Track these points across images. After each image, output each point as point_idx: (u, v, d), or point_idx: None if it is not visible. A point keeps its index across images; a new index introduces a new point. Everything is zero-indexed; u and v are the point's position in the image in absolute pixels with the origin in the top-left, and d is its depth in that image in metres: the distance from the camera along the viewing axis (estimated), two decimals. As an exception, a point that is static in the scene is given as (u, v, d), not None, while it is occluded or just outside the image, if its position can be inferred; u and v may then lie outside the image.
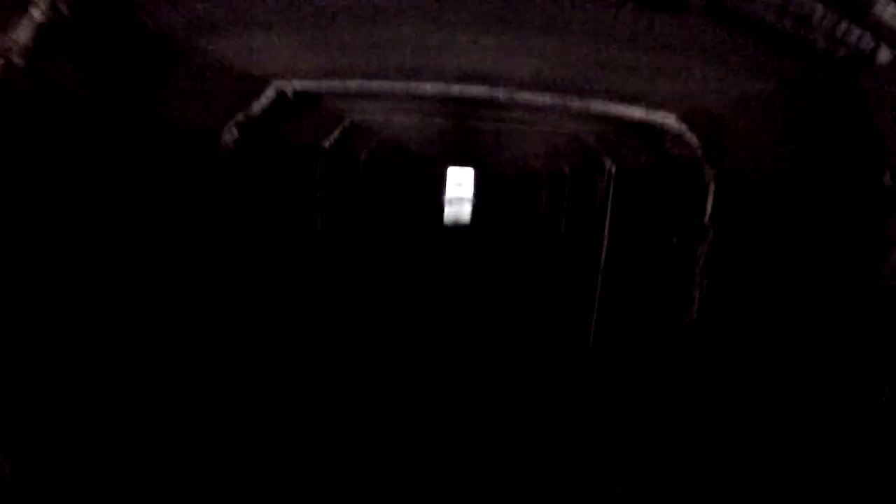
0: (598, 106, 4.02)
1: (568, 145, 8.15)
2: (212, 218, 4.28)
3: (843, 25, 1.88)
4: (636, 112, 4.12)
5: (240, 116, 3.94)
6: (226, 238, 4.59)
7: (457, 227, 21.71)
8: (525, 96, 4.12)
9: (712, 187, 4.47)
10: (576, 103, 4.04)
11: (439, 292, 10.06)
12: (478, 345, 7.52)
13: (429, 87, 4.15)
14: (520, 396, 5.87)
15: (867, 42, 1.94)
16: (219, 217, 4.36)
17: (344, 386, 5.78)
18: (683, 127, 4.29)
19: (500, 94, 4.12)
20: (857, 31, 1.90)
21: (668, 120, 4.25)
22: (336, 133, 7.27)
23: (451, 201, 32.16)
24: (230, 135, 3.96)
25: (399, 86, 4.05)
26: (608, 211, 6.95)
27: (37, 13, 2.02)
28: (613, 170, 6.83)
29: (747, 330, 3.86)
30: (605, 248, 7.07)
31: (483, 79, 3.69)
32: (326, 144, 7.15)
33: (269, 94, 3.88)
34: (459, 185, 40.15)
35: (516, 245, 14.44)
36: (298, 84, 3.77)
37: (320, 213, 7.44)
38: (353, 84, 3.84)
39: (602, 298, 7.08)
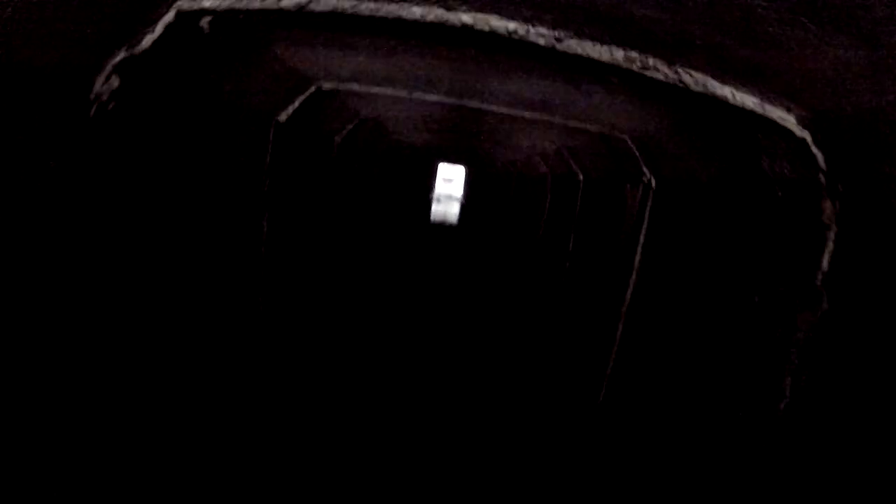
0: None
1: (587, 148, 6.73)
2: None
3: None
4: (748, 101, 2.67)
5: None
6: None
7: (444, 226, 20.38)
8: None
9: (833, 232, 3.04)
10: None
11: (423, 293, 8.61)
12: (462, 350, 6.12)
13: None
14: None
15: None
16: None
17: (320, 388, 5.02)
18: (807, 134, 2.85)
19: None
20: None
21: (787, 122, 2.81)
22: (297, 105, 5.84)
23: (439, 199, 30.83)
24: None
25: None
26: (643, 229, 5.51)
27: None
28: (653, 182, 5.39)
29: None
30: (635, 272, 5.63)
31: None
32: (283, 118, 5.62)
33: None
34: (449, 182, 38.89)
35: (511, 252, 12.99)
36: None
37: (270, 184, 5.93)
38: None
39: (625, 340, 5.64)
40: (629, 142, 5.26)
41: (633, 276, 5.58)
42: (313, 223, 7.36)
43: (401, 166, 15.25)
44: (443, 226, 20.11)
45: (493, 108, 4.67)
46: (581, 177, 7.59)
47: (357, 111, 7.28)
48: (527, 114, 4.62)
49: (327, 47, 3.77)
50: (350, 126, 7.63)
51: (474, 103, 4.66)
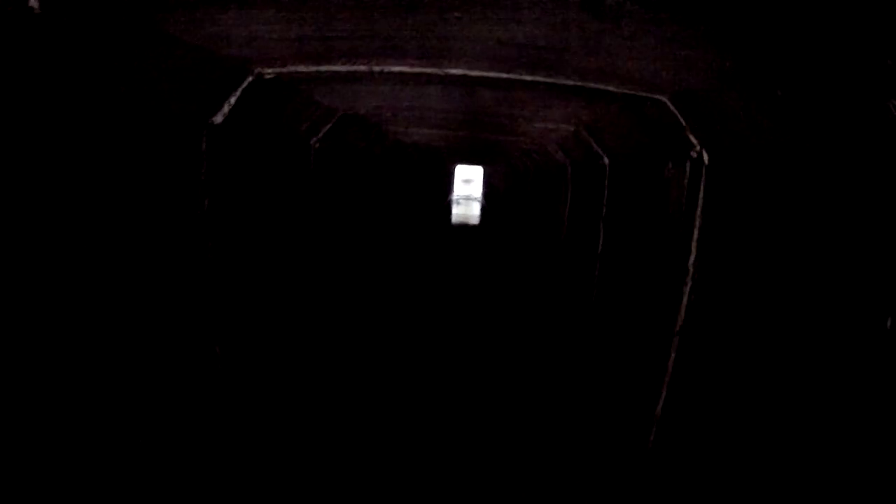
0: None
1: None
2: None
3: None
4: None
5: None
6: None
7: (465, 230, 19.19)
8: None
9: None
10: None
11: (440, 302, 7.38)
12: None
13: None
14: None
15: None
16: None
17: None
18: None
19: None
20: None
21: None
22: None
23: (458, 201, 29.58)
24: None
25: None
26: (696, 221, 4.17)
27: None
28: (706, 156, 4.05)
29: None
30: (690, 279, 4.30)
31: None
32: (218, 119, 4.44)
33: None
34: (468, 183, 37.71)
35: (532, 258, 11.66)
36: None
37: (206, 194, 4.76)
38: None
39: (680, 368, 4.31)
40: (669, 104, 3.92)
41: (688, 285, 4.23)
42: (295, 247, 6.19)
43: (408, 170, 14.03)
44: (464, 229, 18.88)
45: (485, 72, 3.40)
46: (606, 160, 6.24)
47: (331, 106, 6.07)
48: (527, 76, 3.34)
49: (259, 8, 2.56)
50: (327, 126, 6.42)
51: (460, 67, 3.39)
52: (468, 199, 29.51)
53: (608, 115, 5.07)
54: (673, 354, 4.47)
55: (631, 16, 2.29)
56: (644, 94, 3.76)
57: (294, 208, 6.23)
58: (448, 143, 10.73)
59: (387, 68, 3.46)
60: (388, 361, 6.13)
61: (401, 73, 3.55)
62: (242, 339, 5.17)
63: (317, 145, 6.50)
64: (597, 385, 5.67)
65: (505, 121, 6.33)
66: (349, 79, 4.40)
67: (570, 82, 3.41)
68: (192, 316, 4.39)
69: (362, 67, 3.61)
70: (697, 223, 4.16)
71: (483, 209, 19.15)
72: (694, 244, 4.19)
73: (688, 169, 4.33)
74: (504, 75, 3.29)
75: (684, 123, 3.99)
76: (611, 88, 3.58)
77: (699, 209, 4.15)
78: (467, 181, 37.47)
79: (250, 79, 4.37)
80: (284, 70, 4.17)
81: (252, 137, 5.17)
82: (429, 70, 3.33)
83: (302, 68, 4.03)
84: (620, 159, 5.93)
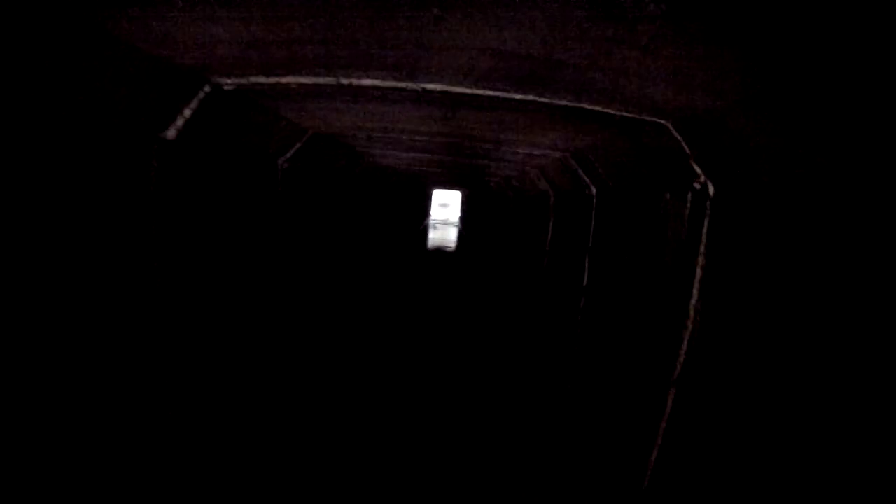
0: None
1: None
2: None
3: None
4: None
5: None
6: None
7: (441, 253, 18.73)
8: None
9: None
10: None
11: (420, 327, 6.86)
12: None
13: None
14: None
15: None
16: None
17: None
18: None
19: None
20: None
21: None
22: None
23: (435, 225, 29.17)
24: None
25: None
26: (700, 259, 3.79)
27: None
28: (711, 187, 3.69)
29: None
30: (691, 321, 3.90)
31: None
32: (170, 134, 3.96)
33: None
34: (445, 207, 37.43)
35: (510, 286, 11.26)
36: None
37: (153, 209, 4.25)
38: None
39: (678, 412, 3.89)
40: (672, 129, 3.55)
41: (688, 330, 3.82)
42: (261, 272, 5.67)
43: (384, 194, 13.61)
44: (440, 254, 18.42)
45: (468, 88, 2.98)
46: (593, 190, 5.87)
47: (300, 124, 5.61)
48: (516, 94, 2.93)
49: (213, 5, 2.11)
50: (296, 146, 5.96)
51: (440, 82, 2.97)
52: (445, 223, 29.18)
53: (599, 141, 4.70)
54: (669, 405, 4.04)
55: (651, 20, 1.89)
56: (646, 117, 3.38)
57: (260, 232, 5.73)
58: (426, 166, 10.34)
59: (356, 81, 3.03)
60: (352, 405, 5.59)
61: (373, 88, 3.11)
62: (194, 373, 4.62)
63: (285, 165, 6.03)
64: (582, 425, 5.22)
65: (487, 146, 5.94)
66: (317, 93, 3.96)
67: (565, 102, 3.00)
68: (135, 351, 3.84)
69: (330, 80, 3.16)
70: (700, 262, 3.76)
71: (460, 234, 18.77)
72: (696, 285, 3.79)
73: (689, 201, 3.95)
74: (490, 93, 2.87)
75: (689, 151, 3.62)
76: (610, 111, 3.19)
77: (703, 246, 3.76)
78: (444, 205, 37.17)
79: (207, 89, 3.90)
80: (245, 81, 3.71)
81: (211, 155, 4.68)
82: (403, 84, 2.90)
83: (263, 79, 3.58)
84: (610, 189, 5.56)
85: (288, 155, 5.86)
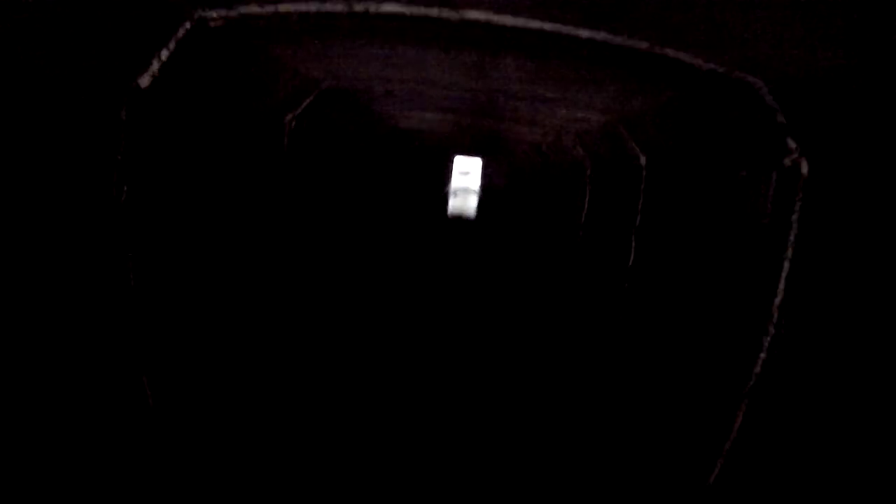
0: None
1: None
2: None
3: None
4: None
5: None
6: None
7: (461, 221, 18.10)
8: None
9: None
10: None
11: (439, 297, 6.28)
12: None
13: None
14: None
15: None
16: None
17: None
18: None
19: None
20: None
21: None
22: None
23: (455, 192, 28.41)
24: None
25: None
26: (789, 249, 3.08)
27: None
28: (805, 169, 2.96)
29: None
30: (776, 310, 3.23)
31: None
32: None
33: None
34: (466, 175, 36.63)
35: (536, 264, 10.58)
36: None
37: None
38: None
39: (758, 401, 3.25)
40: (764, 92, 2.81)
41: (769, 335, 3.14)
42: (262, 244, 5.06)
43: (404, 159, 12.89)
44: (461, 222, 17.76)
45: (518, 19, 2.27)
46: (643, 160, 5.12)
47: (308, 76, 4.91)
48: (582, 31, 2.21)
49: None
50: (306, 101, 5.27)
51: (481, 9, 2.25)
52: (466, 191, 28.45)
53: (661, 104, 3.95)
54: (739, 420, 3.39)
55: None
56: (738, 74, 2.64)
57: (261, 198, 5.09)
58: (449, 130, 9.59)
59: (375, 8, 2.32)
60: (356, 402, 5.01)
61: (396, 19, 2.41)
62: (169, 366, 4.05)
63: (293, 123, 5.35)
64: (622, 436, 4.59)
65: (521, 106, 5.20)
66: (325, 30, 3.26)
67: (642, 46, 2.28)
68: (101, 336, 3.25)
69: (339, 6, 2.46)
70: (789, 254, 3.06)
71: (481, 203, 18.06)
72: (782, 281, 3.09)
73: (774, 180, 3.22)
74: (547, 26, 2.15)
75: (783, 120, 2.88)
76: (697, 62, 2.46)
77: (792, 234, 3.05)
78: (465, 173, 36.33)
79: (188, 25, 3.22)
80: (234, 13, 3.03)
81: (198, 109, 4.03)
82: (436, 12, 2.19)
83: (256, 8, 2.89)
84: (665, 161, 4.82)
85: (297, 112, 5.18)
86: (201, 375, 4.43)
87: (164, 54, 3.25)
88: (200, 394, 4.33)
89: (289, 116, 5.18)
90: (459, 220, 18.87)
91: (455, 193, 26.62)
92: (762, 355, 3.19)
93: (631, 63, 2.72)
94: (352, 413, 4.32)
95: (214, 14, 3.07)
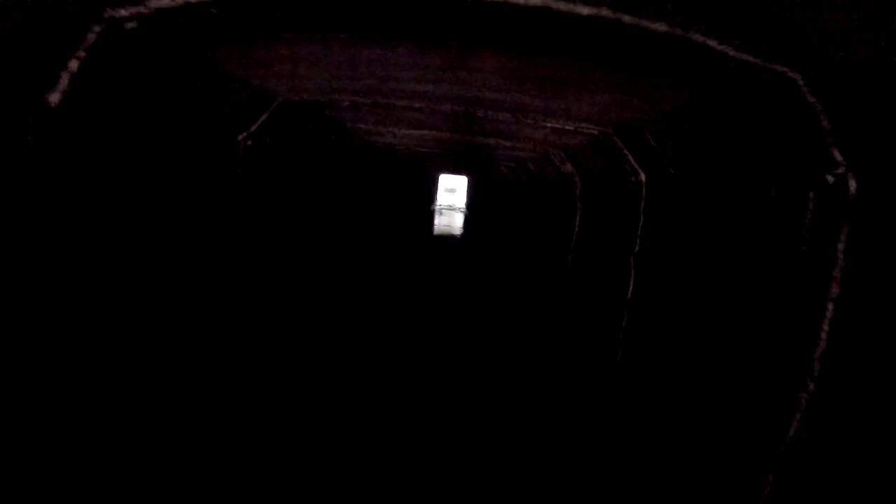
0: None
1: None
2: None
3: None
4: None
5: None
6: None
7: (447, 239, 17.55)
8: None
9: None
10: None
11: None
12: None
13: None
14: None
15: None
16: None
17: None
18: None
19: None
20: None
21: None
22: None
23: (441, 211, 27.85)
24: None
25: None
26: (836, 268, 2.51)
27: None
28: (853, 186, 2.39)
29: None
30: (816, 363, 2.64)
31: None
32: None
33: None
34: (452, 193, 36.15)
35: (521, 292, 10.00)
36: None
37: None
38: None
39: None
40: (804, 89, 2.25)
41: (807, 394, 2.55)
42: (212, 277, 4.42)
43: (386, 178, 12.32)
44: (447, 240, 17.19)
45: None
46: (643, 176, 4.56)
47: (263, 88, 4.32)
48: (583, 8, 1.63)
49: None
50: (262, 117, 4.67)
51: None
52: (451, 208, 27.94)
53: (665, 112, 3.39)
54: (771, 481, 2.79)
55: None
56: (774, 65, 2.08)
57: (210, 226, 4.47)
58: (430, 147, 9.04)
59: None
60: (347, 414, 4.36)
61: (345, 4, 1.82)
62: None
63: (248, 142, 4.75)
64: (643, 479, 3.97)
65: (503, 118, 4.63)
66: (265, 29, 2.68)
67: (663, 28, 1.71)
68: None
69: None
70: (834, 291, 2.48)
71: (467, 221, 17.55)
72: (825, 325, 2.51)
73: (812, 200, 2.65)
74: (534, 1, 1.58)
75: (826, 125, 2.32)
76: (727, 50, 1.90)
77: (837, 267, 2.48)
78: (451, 190, 35.84)
79: (98, 29, 2.62)
80: (145, 9, 2.44)
81: (127, 130, 3.41)
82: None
83: (167, 1, 2.31)
84: (670, 177, 4.26)
85: (251, 129, 4.58)
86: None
87: (74, 65, 2.65)
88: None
89: (242, 135, 4.57)
90: (445, 238, 18.34)
91: (441, 212, 26.08)
92: (798, 415, 2.60)
93: (641, 54, 2.15)
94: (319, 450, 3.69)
95: (125, 12, 2.48)
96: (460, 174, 19.12)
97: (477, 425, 4.40)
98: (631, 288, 4.64)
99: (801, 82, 2.22)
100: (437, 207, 23.79)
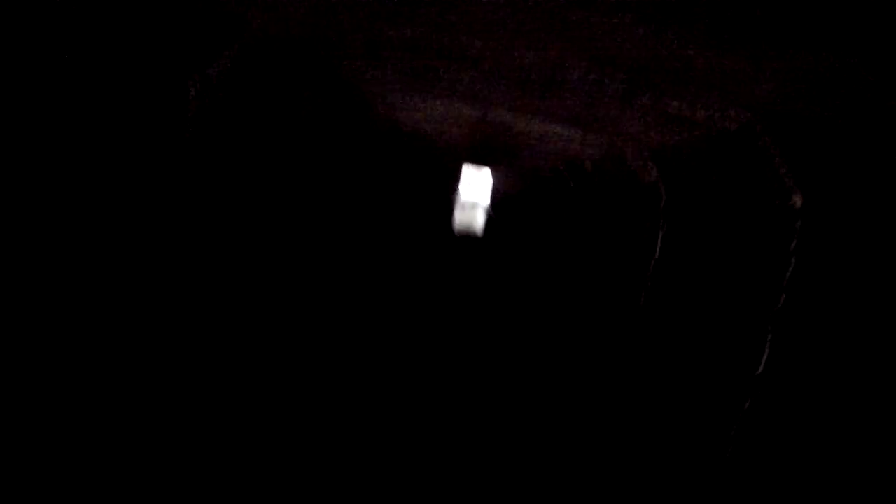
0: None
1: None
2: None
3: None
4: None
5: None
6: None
7: (468, 240, 16.13)
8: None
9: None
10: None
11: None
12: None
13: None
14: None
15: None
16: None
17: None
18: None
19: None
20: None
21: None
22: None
23: (463, 206, 26.25)
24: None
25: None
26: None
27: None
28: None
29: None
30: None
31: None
32: None
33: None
34: (473, 188, 34.57)
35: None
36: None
37: None
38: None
39: None
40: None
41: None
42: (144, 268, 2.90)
43: (405, 167, 10.78)
44: (467, 241, 15.70)
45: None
46: (797, 200, 2.94)
47: (229, 11, 2.77)
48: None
49: None
50: (227, 53, 3.12)
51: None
52: (474, 205, 26.36)
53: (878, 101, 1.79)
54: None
55: None
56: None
57: (138, 206, 2.95)
58: (460, 130, 7.43)
59: None
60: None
61: None
62: None
63: (201, 90, 3.19)
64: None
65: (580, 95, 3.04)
66: None
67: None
68: None
69: None
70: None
71: (491, 221, 16.06)
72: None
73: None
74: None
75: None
76: None
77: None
78: (473, 186, 34.29)
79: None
80: None
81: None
82: None
83: None
84: (839, 202, 2.64)
85: (208, 71, 3.03)
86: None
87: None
88: None
89: (193, 80, 3.01)
90: (466, 238, 16.91)
91: (463, 207, 24.51)
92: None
93: None
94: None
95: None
96: (486, 166, 17.55)
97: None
98: (763, 361, 3.02)
99: None
100: (460, 203, 22.41)
